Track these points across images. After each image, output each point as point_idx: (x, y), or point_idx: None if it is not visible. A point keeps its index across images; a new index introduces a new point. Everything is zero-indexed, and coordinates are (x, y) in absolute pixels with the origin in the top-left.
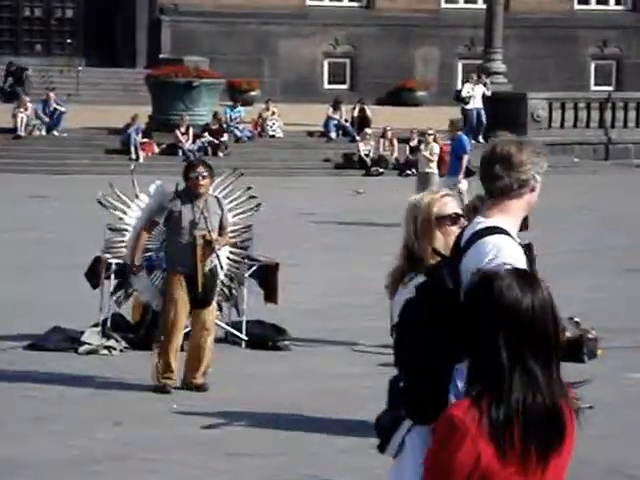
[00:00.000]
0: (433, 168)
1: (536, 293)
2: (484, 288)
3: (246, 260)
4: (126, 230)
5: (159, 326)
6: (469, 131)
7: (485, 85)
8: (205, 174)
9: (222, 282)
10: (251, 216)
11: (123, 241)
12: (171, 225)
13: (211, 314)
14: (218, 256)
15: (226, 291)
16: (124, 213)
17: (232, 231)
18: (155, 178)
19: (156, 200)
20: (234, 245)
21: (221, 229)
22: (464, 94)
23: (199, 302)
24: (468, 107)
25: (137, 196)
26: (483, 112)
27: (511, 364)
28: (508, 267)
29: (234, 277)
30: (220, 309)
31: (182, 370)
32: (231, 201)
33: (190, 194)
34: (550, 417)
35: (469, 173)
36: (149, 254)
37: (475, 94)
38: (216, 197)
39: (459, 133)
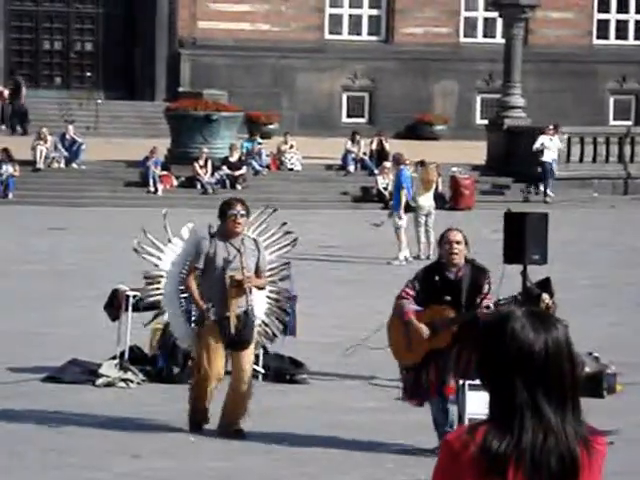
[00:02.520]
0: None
1: (550, 333)
2: (498, 329)
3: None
4: (161, 277)
5: (192, 369)
6: (546, 183)
7: (560, 137)
8: (243, 213)
9: (264, 322)
10: (288, 252)
11: (159, 288)
12: (206, 266)
13: (249, 357)
14: (248, 296)
15: (269, 331)
16: (159, 259)
17: (270, 269)
18: (173, 211)
19: (191, 244)
20: (273, 283)
21: (258, 271)
22: (536, 146)
23: (236, 344)
24: (544, 159)
25: (170, 240)
26: (555, 165)
27: (523, 405)
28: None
29: (279, 316)
30: (266, 352)
31: (217, 414)
32: (267, 238)
33: (226, 233)
34: (563, 461)
35: (408, 208)
36: (186, 295)
37: (550, 146)
38: (254, 239)
39: (401, 167)
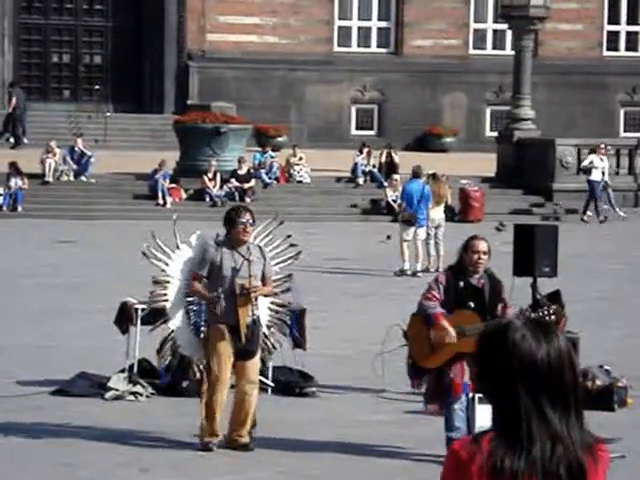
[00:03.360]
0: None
1: (551, 342)
2: (498, 340)
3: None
4: (168, 282)
5: (204, 378)
6: (596, 203)
7: (606, 156)
8: (251, 221)
9: (264, 334)
10: (290, 265)
11: (165, 294)
12: (213, 275)
13: (256, 366)
14: (255, 305)
15: (269, 344)
16: (166, 265)
17: (273, 280)
18: (182, 223)
19: (198, 251)
20: (275, 295)
21: (264, 278)
22: (584, 164)
23: (243, 353)
24: (592, 178)
25: (178, 247)
26: (604, 185)
27: (527, 413)
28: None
29: (279, 328)
30: (264, 363)
31: (226, 427)
32: (271, 249)
33: (233, 242)
34: (571, 469)
35: (408, 222)
36: (194, 307)
37: (600, 165)
38: (258, 246)
39: (409, 180)
